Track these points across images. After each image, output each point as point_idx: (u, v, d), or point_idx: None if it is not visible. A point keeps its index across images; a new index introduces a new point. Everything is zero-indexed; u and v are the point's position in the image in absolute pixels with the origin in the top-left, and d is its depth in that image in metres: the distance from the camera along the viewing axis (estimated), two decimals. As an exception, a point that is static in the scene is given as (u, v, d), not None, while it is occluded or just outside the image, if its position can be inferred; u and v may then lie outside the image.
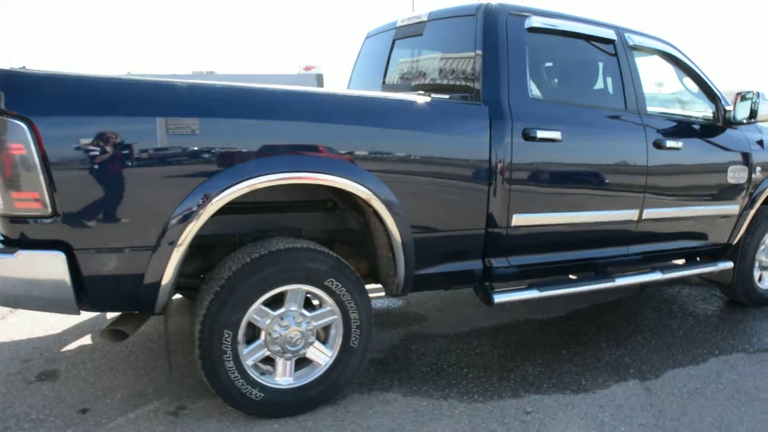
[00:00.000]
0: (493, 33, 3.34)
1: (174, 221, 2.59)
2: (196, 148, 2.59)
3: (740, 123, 4.27)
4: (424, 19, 3.85)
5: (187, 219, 2.60)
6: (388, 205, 2.95)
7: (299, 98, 2.83)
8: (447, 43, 3.71)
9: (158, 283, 2.66)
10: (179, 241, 2.62)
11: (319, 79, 14.11)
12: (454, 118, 3.19)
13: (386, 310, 4.59)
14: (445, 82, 3.62)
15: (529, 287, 3.57)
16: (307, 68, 14.70)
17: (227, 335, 2.78)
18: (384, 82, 4.23)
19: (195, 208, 2.60)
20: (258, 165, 2.67)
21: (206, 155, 2.60)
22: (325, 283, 2.92)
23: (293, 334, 2.92)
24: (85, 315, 4.08)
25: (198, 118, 2.59)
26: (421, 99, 3.15)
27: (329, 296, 2.97)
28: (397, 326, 4.27)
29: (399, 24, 4.15)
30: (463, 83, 3.45)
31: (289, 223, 3.23)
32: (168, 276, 2.66)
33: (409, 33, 4.03)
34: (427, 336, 4.09)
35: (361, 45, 4.67)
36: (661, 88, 5.14)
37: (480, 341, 4.02)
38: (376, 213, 2.96)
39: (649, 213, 3.95)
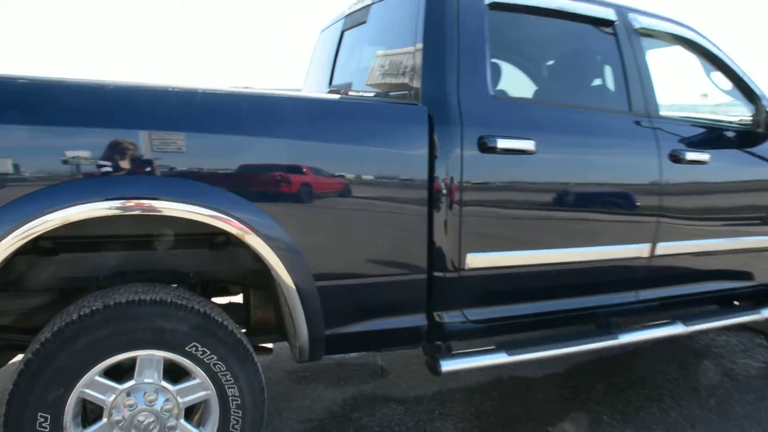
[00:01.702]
0: (440, 8, 2.51)
1: None
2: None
3: (789, 129, 3.30)
4: (368, 2, 3.05)
5: None
6: (274, 243, 2.15)
7: (127, 97, 2.04)
8: (390, 28, 2.89)
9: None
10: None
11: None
12: (375, 122, 2.35)
13: (340, 360, 3.75)
14: (387, 79, 2.79)
15: (497, 348, 2.69)
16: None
17: (42, 420, 2.01)
18: (331, 83, 3.44)
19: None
20: (65, 191, 1.92)
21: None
22: (187, 348, 2.13)
23: (142, 417, 2.13)
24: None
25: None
26: (327, 98, 2.35)
27: (197, 365, 2.17)
28: (346, 383, 3.43)
29: (347, 12, 3.36)
30: (402, 79, 2.62)
31: (165, 264, 2.44)
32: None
33: (355, 21, 3.23)
34: (379, 399, 3.24)
35: (315, 43, 3.89)
36: (706, 99, 4.18)
37: (444, 409, 3.14)
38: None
39: (665, 247, 3.03)
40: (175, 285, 2.57)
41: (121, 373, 2.15)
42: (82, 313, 2.03)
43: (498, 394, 3.33)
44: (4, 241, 1.90)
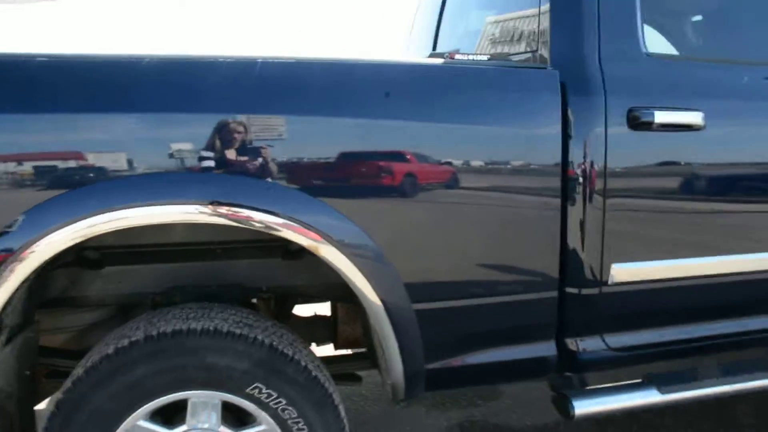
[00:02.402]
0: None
1: None
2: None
3: None
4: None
5: None
6: (356, 255, 1.64)
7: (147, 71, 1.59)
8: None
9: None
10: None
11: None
12: (490, 93, 1.78)
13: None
14: (504, 39, 2.21)
15: (644, 383, 2.07)
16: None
17: (76, 472, 1.63)
18: (434, 49, 2.88)
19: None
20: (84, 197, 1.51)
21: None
22: (248, 390, 1.67)
23: (192, 469, 1.71)
24: None
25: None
26: (427, 64, 1.81)
27: (262, 409, 1.71)
28: (452, 407, 2.91)
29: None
30: (525, 36, 2.03)
31: (229, 277, 2.00)
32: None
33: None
34: (490, 428, 2.71)
35: (416, 6, 3.32)
36: None
37: (569, 447, 2.56)
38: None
39: None
40: (253, 300, 2.17)
41: (175, 411, 1.74)
42: (119, 345, 1.62)
43: (638, 427, 2.70)
44: (44, 242, 1.50)
